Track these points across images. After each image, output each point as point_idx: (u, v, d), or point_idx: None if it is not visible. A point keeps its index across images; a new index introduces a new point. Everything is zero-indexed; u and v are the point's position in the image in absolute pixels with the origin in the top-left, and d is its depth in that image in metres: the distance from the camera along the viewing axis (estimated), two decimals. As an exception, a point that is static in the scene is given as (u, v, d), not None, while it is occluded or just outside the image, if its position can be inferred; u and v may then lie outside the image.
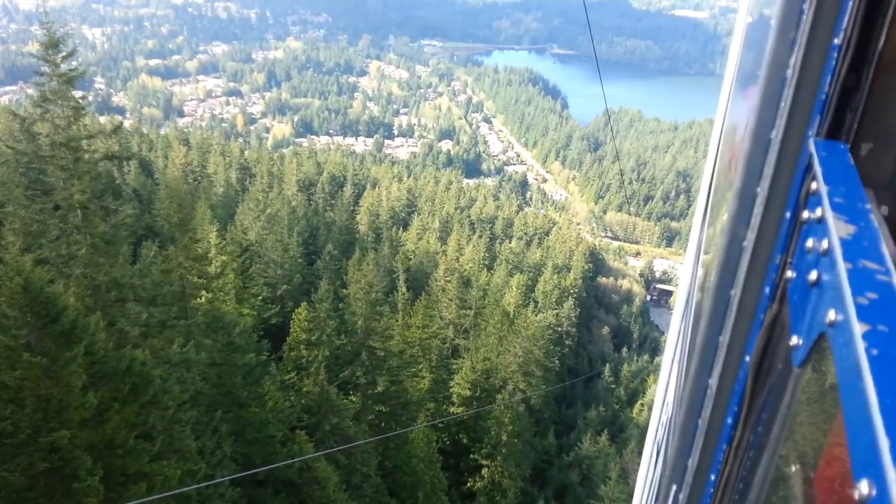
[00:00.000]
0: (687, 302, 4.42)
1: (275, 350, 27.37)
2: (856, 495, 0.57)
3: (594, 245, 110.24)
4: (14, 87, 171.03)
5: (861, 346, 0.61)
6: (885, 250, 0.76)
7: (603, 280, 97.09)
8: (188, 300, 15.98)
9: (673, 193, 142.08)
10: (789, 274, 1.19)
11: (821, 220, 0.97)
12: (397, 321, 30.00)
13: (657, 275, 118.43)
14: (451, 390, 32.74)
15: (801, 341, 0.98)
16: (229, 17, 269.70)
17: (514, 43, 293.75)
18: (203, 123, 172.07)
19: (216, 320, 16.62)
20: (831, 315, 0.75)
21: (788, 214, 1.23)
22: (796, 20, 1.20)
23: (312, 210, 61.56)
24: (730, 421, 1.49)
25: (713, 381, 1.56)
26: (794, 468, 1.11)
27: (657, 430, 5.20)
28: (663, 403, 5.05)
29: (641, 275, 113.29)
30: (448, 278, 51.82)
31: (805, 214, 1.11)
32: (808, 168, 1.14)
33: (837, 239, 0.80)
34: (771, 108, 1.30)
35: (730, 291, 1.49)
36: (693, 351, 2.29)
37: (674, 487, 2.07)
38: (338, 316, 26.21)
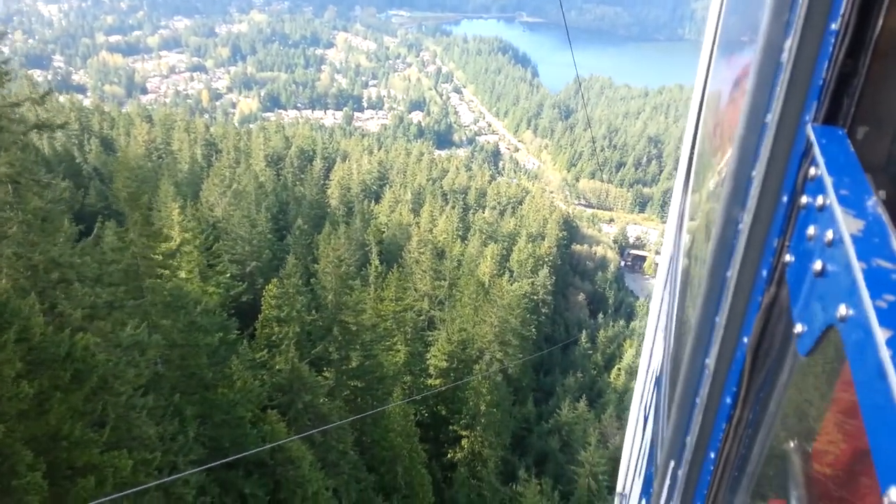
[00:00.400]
0: (670, 267, 4.41)
1: (247, 328, 26.71)
2: (886, 503, 0.57)
3: (568, 213, 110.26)
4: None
5: (886, 353, 0.60)
6: None
7: (577, 247, 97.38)
8: (142, 279, 15.17)
9: (645, 159, 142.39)
10: (788, 258, 1.20)
11: (823, 209, 0.98)
12: (369, 295, 29.39)
13: (631, 241, 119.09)
14: (427, 363, 32.38)
15: (806, 329, 0.98)
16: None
17: (483, 11, 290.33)
18: (167, 100, 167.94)
19: (176, 299, 15.85)
20: (842, 310, 0.76)
21: (785, 198, 1.23)
22: (790, 3, 1.21)
23: (281, 185, 60.36)
24: (728, 400, 1.50)
25: (710, 361, 1.58)
26: (792, 445, 1.13)
27: (642, 399, 5.14)
28: (648, 371, 5.03)
29: (615, 241, 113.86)
30: (421, 250, 51.27)
31: (804, 200, 1.11)
32: (806, 153, 1.15)
33: (848, 234, 0.81)
34: (765, 92, 1.31)
35: (726, 273, 1.50)
36: (686, 327, 2.23)
37: (672, 464, 2.08)
38: (309, 291, 25.53)
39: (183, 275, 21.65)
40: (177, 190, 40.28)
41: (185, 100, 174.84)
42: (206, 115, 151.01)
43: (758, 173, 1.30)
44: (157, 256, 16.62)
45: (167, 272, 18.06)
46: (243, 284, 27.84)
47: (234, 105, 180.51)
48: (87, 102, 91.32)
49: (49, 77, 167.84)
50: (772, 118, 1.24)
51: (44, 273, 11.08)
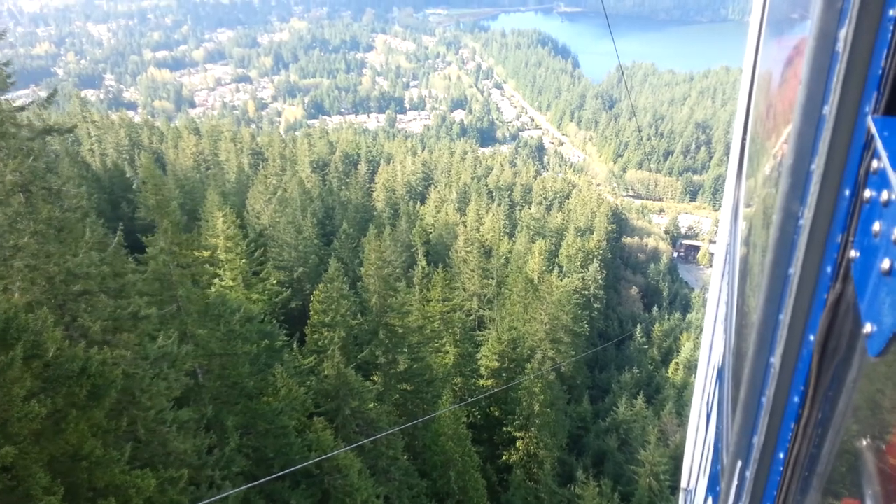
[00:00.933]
0: (727, 256, 4.32)
1: (297, 335, 26.60)
2: None
3: (616, 205, 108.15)
4: (27, 91, 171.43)
5: None
6: None
7: (628, 240, 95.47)
8: (175, 288, 14.99)
9: (693, 146, 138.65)
10: (853, 254, 1.16)
11: (888, 204, 0.95)
12: (415, 296, 28.93)
13: (683, 231, 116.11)
14: (478, 363, 31.78)
15: (875, 329, 0.96)
16: (232, 2, 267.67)
17: (520, 4, 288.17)
18: (215, 112, 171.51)
19: (212, 308, 15.63)
20: None
21: (847, 192, 1.20)
22: None
23: (327, 190, 60.59)
24: (796, 399, 1.47)
25: (776, 360, 1.54)
26: (865, 443, 1.10)
27: (704, 394, 5.03)
28: (708, 365, 4.91)
29: (667, 232, 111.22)
30: (468, 249, 50.62)
31: (867, 194, 1.09)
32: (867, 145, 1.11)
33: None
34: (820, 82, 1.28)
35: (788, 269, 1.48)
36: (748, 323, 2.21)
37: (739, 464, 2.06)
38: (354, 295, 25.25)
39: (227, 282, 21.62)
40: (224, 199, 40.67)
41: (231, 111, 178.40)
42: (253, 125, 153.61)
43: (817, 167, 1.27)
44: (191, 265, 16.46)
45: (205, 279, 17.85)
46: (287, 291, 27.65)
47: (279, 114, 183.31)
48: (136, 118, 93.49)
49: (101, 96, 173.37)
50: (829, 110, 1.21)
51: (62, 285, 10.87)
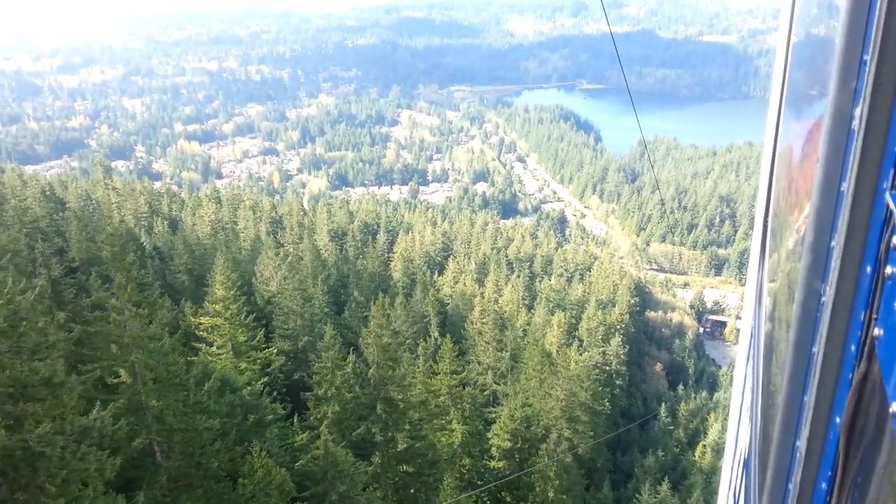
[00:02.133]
0: (753, 333, 4.27)
1: (300, 408, 25.16)
2: None
3: (639, 278, 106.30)
4: (59, 161, 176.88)
5: None
6: None
7: (652, 314, 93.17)
8: (130, 352, 13.81)
9: (717, 220, 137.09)
10: (877, 331, 1.14)
11: None
12: (418, 368, 27.42)
13: (708, 305, 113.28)
14: (489, 443, 29.89)
15: None
16: (262, 78, 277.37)
17: (543, 81, 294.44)
18: (241, 183, 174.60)
19: (172, 376, 14.40)
20: None
21: (869, 269, 1.19)
22: (857, 69, 1.18)
23: (342, 258, 59.96)
24: (824, 486, 1.41)
25: (801, 444, 1.50)
26: None
27: (731, 483, 4.88)
28: (735, 451, 4.77)
29: (692, 306, 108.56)
30: (484, 320, 49.20)
31: (889, 270, 1.08)
32: (886, 221, 1.11)
33: None
34: (838, 160, 1.29)
35: (811, 348, 1.45)
36: (773, 405, 2.24)
37: None
38: (359, 366, 23.88)
39: (216, 350, 20.46)
40: (235, 265, 40.04)
41: (257, 182, 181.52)
42: (277, 196, 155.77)
43: (837, 244, 1.26)
44: (146, 331, 15.26)
45: (160, 345, 16.45)
46: (283, 359, 26.23)
47: (303, 185, 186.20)
48: (157, 186, 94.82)
49: (131, 167, 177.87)
50: (847, 187, 1.21)
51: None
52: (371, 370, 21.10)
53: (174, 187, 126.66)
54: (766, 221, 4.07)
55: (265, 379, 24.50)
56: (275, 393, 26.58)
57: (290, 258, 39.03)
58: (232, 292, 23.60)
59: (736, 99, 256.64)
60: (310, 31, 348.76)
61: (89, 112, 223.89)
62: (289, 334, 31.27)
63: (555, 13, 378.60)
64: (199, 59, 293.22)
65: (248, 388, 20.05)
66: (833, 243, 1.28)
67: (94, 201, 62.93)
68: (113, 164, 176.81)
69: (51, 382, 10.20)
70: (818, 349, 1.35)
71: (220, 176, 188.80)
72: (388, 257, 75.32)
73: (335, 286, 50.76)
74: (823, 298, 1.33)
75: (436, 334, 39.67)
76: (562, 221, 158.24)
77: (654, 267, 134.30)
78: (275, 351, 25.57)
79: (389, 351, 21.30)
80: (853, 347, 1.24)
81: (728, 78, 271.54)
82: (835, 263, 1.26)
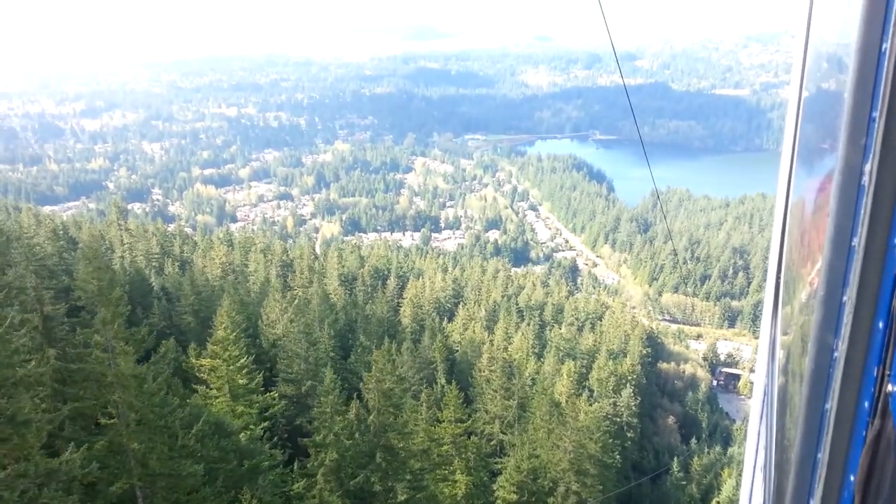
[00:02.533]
0: (766, 387, 4.32)
1: (302, 455, 24.61)
2: None
3: (651, 328, 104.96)
4: (77, 203, 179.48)
5: None
6: None
7: (664, 365, 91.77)
8: (112, 391, 13.46)
9: (731, 271, 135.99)
10: (890, 387, 1.14)
11: None
12: (421, 415, 26.78)
13: (722, 358, 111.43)
14: (494, 495, 29.00)
15: None
16: (280, 125, 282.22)
17: (557, 132, 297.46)
18: (255, 227, 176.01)
19: (155, 418, 13.97)
20: None
21: (881, 325, 1.18)
22: (866, 126, 1.19)
23: (351, 303, 59.72)
24: None
25: (815, 503, 1.48)
26: None
27: None
28: None
29: (705, 358, 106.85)
30: (492, 367, 48.53)
31: None
32: None
33: None
34: (848, 215, 1.29)
35: (824, 405, 1.44)
36: (787, 461, 2.23)
37: None
38: (362, 412, 23.36)
39: (214, 392, 20.10)
40: (242, 307, 39.91)
41: (271, 226, 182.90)
42: (290, 240, 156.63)
43: (849, 298, 1.26)
44: (130, 368, 14.87)
45: (153, 382, 15.97)
46: (280, 404, 25.68)
47: (317, 230, 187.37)
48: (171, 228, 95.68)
49: (147, 209, 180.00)
50: (858, 242, 1.21)
51: None
52: (371, 416, 20.61)
53: (188, 230, 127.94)
54: (778, 274, 4.07)
55: (266, 424, 24.03)
56: (275, 438, 26.08)
57: (296, 301, 38.83)
58: (232, 334, 23.34)
59: (749, 151, 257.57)
60: (328, 80, 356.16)
61: (109, 155, 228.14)
62: (292, 378, 30.87)
63: (569, 65, 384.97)
64: (218, 104, 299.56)
65: (246, 432, 19.58)
66: (845, 298, 1.27)
67: (107, 241, 63.51)
68: (129, 207, 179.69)
69: (14, 421, 9.86)
70: (831, 405, 1.33)
71: (234, 219, 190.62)
72: (398, 303, 74.99)
73: (343, 331, 50.40)
74: (836, 353, 1.32)
75: (442, 381, 39.02)
76: (573, 270, 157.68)
77: (667, 318, 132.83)
78: (276, 395, 25.12)
79: (392, 397, 20.86)
80: (867, 404, 1.23)
81: (741, 130, 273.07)
82: (847, 318, 1.25)
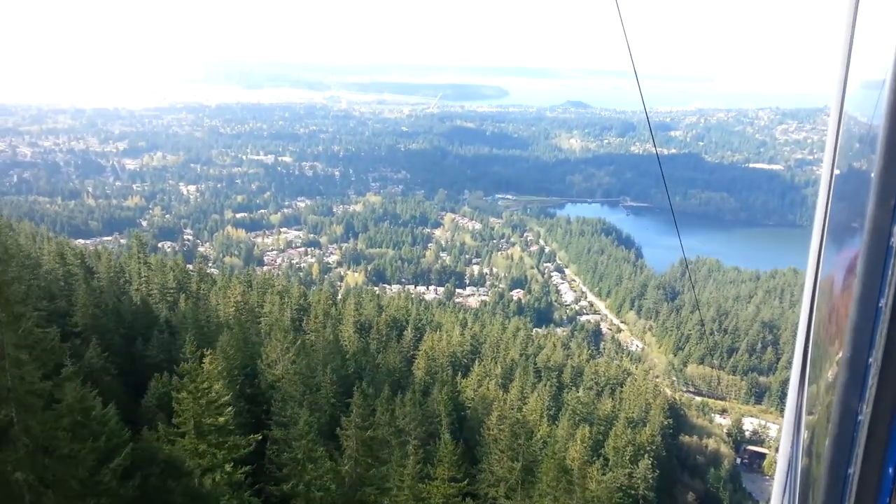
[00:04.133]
0: (789, 468, 4.30)
1: None
2: None
3: (674, 399, 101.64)
4: (110, 238, 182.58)
5: None
6: None
7: (686, 438, 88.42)
8: (8, 404, 12.22)
9: (759, 345, 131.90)
10: None
11: None
12: (406, 469, 25.00)
13: (747, 435, 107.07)
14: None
15: None
16: (315, 174, 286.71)
17: (587, 196, 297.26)
18: (280, 272, 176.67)
19: (63, 445, 12.60)
20: None
21: None
22: (893, 202, 1.21)
23: (361, 350, 58.47)
24: None
25: None
26: None
27: None
28: None
29: (729, 434, 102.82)
30: (501, 426, 46.56)
31: None
32: None
33: None
34: (876, 278, 1.29)
35: (847, 470, 1.41)
36: None
37: None
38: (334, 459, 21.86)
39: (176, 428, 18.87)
40: (246, 345, 38.99)
41: (297, 272, 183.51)
42: (314, 287, 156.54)
43: (875, 360, 1.24)
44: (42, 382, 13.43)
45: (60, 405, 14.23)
46: (249, 447, 24.05)
47: (341, 278, 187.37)
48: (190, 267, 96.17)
49: (177, 248, 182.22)
50: (885, 303, 1.20)
51: None
52: (346, 466, 19.15)
53: (213, 270, 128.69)
54: (805, 351, 3.99)
55: (247, 468, 22.55)
56: (257, 484, 24.61)
57: (299, 342, 37.76)
58: (216, 368, 22.19)
59: (782, 226, 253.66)
60: (365, 134, 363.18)
61: (146, 194, 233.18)
62: (284, 421, 29.52)
63: (603, 132, 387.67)
64: (257, 151, 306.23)
65: (211, 474, 18.22)
66: (871, 360, 1.26)
67: (126, 273, 63.58)
68: (160, 245, 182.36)
69: None
70: (853, 470, 1.31)
71: (261, 263, 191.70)
72: (413, 355, 73.51)
73: (351, 378, 49.05)
74: (860, 417, 1.30)
75: (446, 436, 37.24)
76: (596, 334, 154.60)
77: (691, 389, 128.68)
78: (257, 437, 23.63)
79: (373, 446, 19.40)
80: (891, 470, 1.20)
81: (774, 205, 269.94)
82: (872, 381, 1.23)
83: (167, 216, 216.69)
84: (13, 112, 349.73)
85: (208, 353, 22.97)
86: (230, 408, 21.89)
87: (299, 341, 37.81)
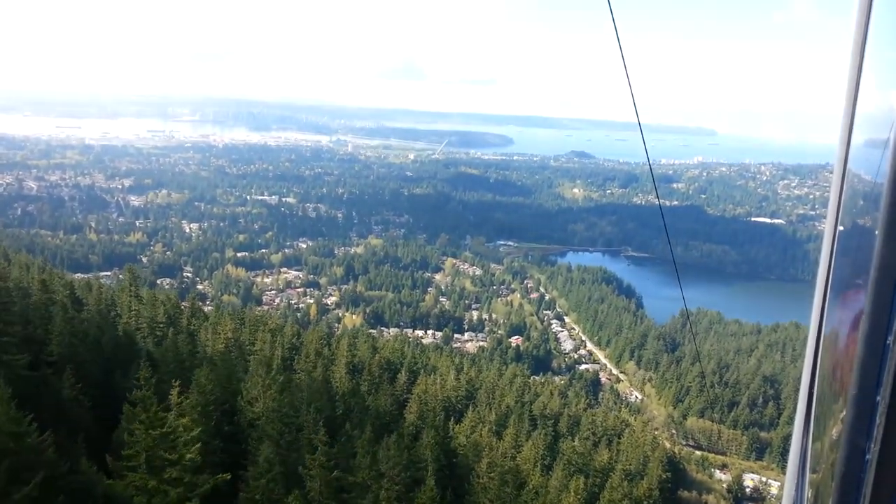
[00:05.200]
0: None
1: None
2: None
3: (674, 452, 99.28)
4: (108, 273, 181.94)
5: None
6: None
7: (685, 493, 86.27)
8: None
9: (760, 400, 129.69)
10: None
11: None
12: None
13: (748, 492, 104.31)
14: None
15: None
16: (318, 216, 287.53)
17: (589, 244, 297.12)
18: (278, 312, 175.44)
19: None
20: None
21: None
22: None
23: (350, 392, 57.19)
24: None
25: None
26: None
27: None
28: None
29: (730, 490, 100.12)
30: (491, 474, 45.16)
31: None
32: None
33: None
34: (883, 313, 1.30)
35: None
36: None
37: None
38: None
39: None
40: (228, 381, 37.96)
41: (294, 312, 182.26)
42: (310, 326, 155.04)
43: (883, 398, 1.25)
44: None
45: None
46: (207, 485, 22.62)
47: (339, 320, 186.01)
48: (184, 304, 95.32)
49: (175, 285, 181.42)
50: (893, 340, 1.21)
51: None
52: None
53: (210, 307, 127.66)
54: (808, 407, 3.94)
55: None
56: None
57: (281, 379, 36.70)
58: (186, 400, 21.21)
59: (783, 281, 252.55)
60: (370, 177, 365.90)
61: (149, 230, 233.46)
62: (258, 461, 28.39)
63: (606, 182, 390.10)
64: (261, 192, 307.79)
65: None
66: (878, 398, 1.26)
67: (117, 306, 62.80)
68: (158, 281, 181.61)
69: None
70: None
71: (260, 302, 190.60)
72: (406, 398, 72.08)
73: (339, 420, 47.81)
74: (868, 456, 1.29)
75: (430, 482, 35.86)
76: (595, 384, 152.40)
77: (691, 443, 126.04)
78: (228, 476, 22.45)
79: (343, 488, 18.34)
80: None
81: (776, 259, 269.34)
82: (880, 419, 1.23)
83: (168, 253, 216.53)
84: (22, 146, 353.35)
85: (175, 384, 22.03)
86: (198, 444, 20.82)
87: (282, 378, 36.76)
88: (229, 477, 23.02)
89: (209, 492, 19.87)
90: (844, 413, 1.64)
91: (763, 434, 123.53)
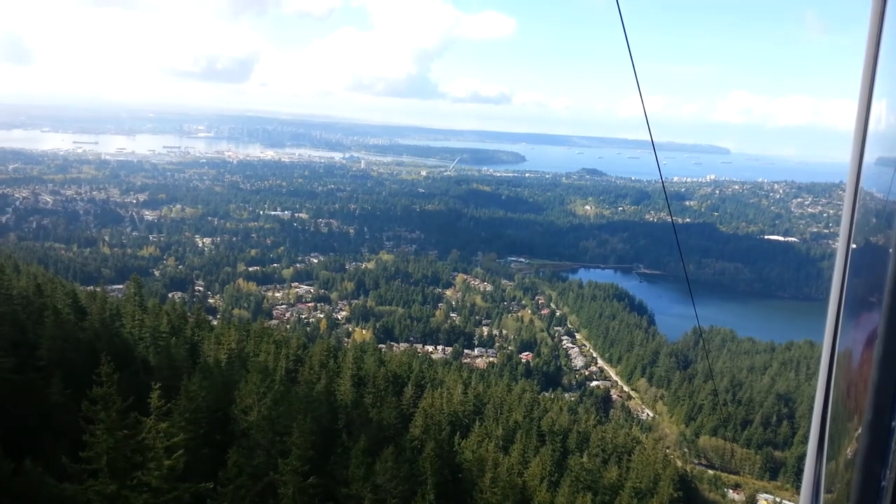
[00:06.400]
0: None
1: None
2: None
3: (685, 471, 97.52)
4: (120, 286, 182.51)
5: None
6: None
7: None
8: None
9: (774, 418, 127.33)
10: None
11: None
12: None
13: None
14: None
15: None
16: (330, 231, 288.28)
17: (601, 261, 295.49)
18: (288, 326, 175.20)
19: None
20: None
21: None
22: None
23: (353, 403, 56.39)
24: None
25: None
26: None
27: None
28: None
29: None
30: (494, 490, 44.09)
31: None
32: None
33: None
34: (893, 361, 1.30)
35: None
36: None
37: None
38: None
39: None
40: (223, 389, 37.39)
41: (304, 327, 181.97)
42: (320, 340, 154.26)
43: None
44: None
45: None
46: (176, 492, 21.65)
47: (349, 334, 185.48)
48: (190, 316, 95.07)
49: (186, 298, 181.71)
50: None
51: None
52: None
53: (201, 312, 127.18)
54: (822, 426, 3.83)
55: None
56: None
57: (276, 387, 36.04)
58: (161, 401, 20.49)
59: (797, 299, 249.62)
60: (382, 194, 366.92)
61: (162, 244, 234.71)
62: (250, 472, 27.68)
63: (618, 199, 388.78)
64: (274, 207, 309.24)
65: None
66: (894, 423, 1.25)
67: (122, 316, 62.56)
68: (170, 294, 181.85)
69: None
70: None
71: (270, 316, 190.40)
72: (412, 412, 71.07)
73: (340, 432, 47.08)
74: (883, 483, 1.28)
75: (430, 496, 34.98)
76: (606, 401, 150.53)
77: (703, 461, 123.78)
78: (211, 486, 21.60)
79: (329, 497, 17.59)
80: None
81: (789, 277, 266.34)
82: (895, 446, 1.22)
83: (180, 267, 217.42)
84: (40, 160, 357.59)
85: (156, 386, 21.44)
86: (180, 451, 20.11)
87: (277, 386, 36.13)
88: (212, 486, 22.29)
89: (187, 500, 19.03)
90: (859, 433, 1.64)
91: (777, 453, 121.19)
